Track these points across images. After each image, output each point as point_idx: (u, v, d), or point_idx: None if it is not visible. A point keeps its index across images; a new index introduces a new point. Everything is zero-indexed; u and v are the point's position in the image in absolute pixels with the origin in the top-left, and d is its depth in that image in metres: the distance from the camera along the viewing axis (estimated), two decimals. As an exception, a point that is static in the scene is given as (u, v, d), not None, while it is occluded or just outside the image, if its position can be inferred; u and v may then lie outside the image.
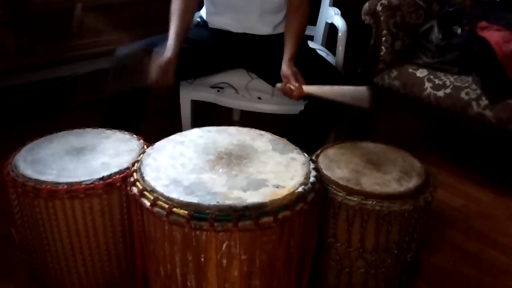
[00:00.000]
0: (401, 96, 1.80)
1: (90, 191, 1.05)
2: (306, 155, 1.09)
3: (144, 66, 1.31)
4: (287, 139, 1.14)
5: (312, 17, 1.55)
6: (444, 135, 2.14)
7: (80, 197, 1.04)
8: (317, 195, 1.01)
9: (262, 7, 1.46)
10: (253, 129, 1.18)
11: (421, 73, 1.76)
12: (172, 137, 1.14)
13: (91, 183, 1.05)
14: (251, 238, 0.92)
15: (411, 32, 1.84)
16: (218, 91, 1.57)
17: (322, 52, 1.69)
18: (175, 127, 1.37)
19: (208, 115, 1.77)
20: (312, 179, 1.01)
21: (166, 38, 1.39)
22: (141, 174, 1.00)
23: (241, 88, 1.55)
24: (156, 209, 0.92)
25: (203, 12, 1.60)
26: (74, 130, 1.25)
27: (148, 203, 0.94)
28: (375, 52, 1.83)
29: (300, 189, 0.97)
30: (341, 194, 1.09)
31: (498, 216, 1.58)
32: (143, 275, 1.12)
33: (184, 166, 1.02)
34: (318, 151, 1.23)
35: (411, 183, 1.12)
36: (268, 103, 1.55)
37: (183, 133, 1.16)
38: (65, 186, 1.03)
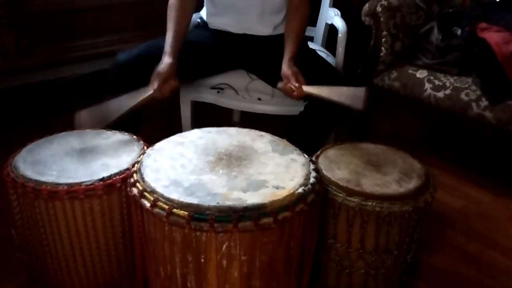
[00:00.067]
0: (401, 97, 1.80)
1: (90, 192, 1.05)
2: (306, 156, 1.09)
3: (145, 71, 1.31)
4: (287, 140, 1.15)
5: (312, 18, 1.55)
6: (444, 136, 2.14)
7: (80, 198, 1.04)
8: (317, 196, 1.01)
9: (262, 7, 1.47)
10: (253, 130, 1.18)
11: (421, 74, 1.76)
12: (172, 138, 1.14)
13: (91, 184, 1.05)
14: (251, 239, 0.93)
15: (411, 33, 1.85)
16: (218, 92, 1.57)
17: (322, 53, 1.69)
18: (175, 128, 1.37)
19: (208, 116, 1.77)
20: (312, 180, 1.01)
21: (164, 42, 1.39)
22: (141, 175, 1.00)
23: (241, 89, 1.55)
24: (156, 210, 0.92)
25: (203, 13, 1.60)
26: (74, 131, 1.25)
27: (148, 204, 0.94)
28: (375, 53, 1.83)
29: (300, 190, 0.97)
30: (341, 195, 1.10)
31: (498, 217, 1.58)
32: (143, 276, 1.12)
33: (184, 167, 1.02)
34: (318, 152, 1.23)
35: (411, 184, 1.12)
36: (268, 104, 1.55)
37: (183, 134, 1.16)
38: (65, 187, 1.03)
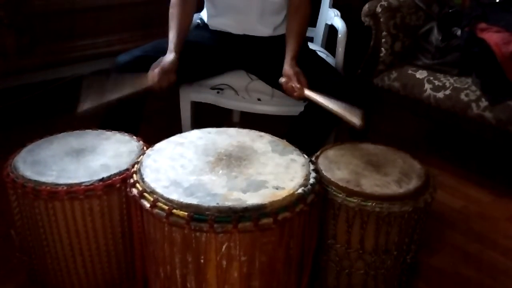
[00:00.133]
0: (401, 97, 1.80)
1: (90, 193, 1.05)
2: (306, 156, 1.09)
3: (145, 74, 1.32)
4: (287, 141, 1.15)
5: (312, 18, 1.55)
6: (444, 137, 2.14)
7: (79, 198, 1.04)
8: (317, 196, 1.01)
9: (263, 8, 1.47)
10: (253, 131, 1.18)
11: (421, 74, 1.76)
12: (172, 138, 1.14)
13: (91, 185, 1.05)
14: (250, 240, 0.93)
15: (411, 33, 1.85)
16: (218, 92, 1.57)
17: (322, 53, 1.69)
18: (175, 129, 1.38)
19: (208, 116, 1.77)
20: (312, 180, 1.01)
21: (166, 43, 1.40)
22: (141, 175, 1.00)
23: (241, 90, 1.55)
24: (156, 210, 0.93)
25: (203, 14, 1.60)
26: (74, 131, 1.25)
27: (148, 205, 0.94)
28: (375, 53, 1.83)
29: (300, 191, 0.97)
30: (341, 195, 1.10)
31: (498, 218, 1.58)
32: (143, 276, 1.12)
33: (184, 168, 1.02)
34: (318, 153, 1.23)
35: (411, 185, 1.12)
36: (268, 105, 1.55)
37: (183, 134, 1.16)
38: (65, 187, 1.03)
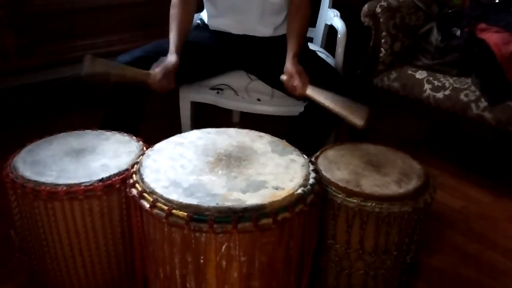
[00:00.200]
0: (401, 97, 1.80)
1: (90, 193, 1.05)
2: (306, 156, 1.09)
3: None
4: (286, 141, 1.15)
5: (312, 19, 1.55)
6: (444, 137, 2.14)
7: (79, 199, 1.04)
8: (317, 196, 1.01)
9: (263, 8, 1.47)
10: (252, 131, 1.18)
11: (420, 74, 1.76)
12: (171, 138, 1.14)
13: (91, 185, 1.05)
14: (250, 240, 0.92)
15: (411, 33, 1.85)
16: (218, 92, 1.57)
17: (322, 53, 1.69)
18: (175, 129, 1.38)
19: (208, 116, 1.77)
20: (311, 180, 1.01)
21: (166, 43, 1.40)
22: (141, 175, 1.00)
23: (241, 90, 1.55)
24: (156, 210, 0.92)
25: (203, 15, 1.60)
26: (74, 131, 1.25)
27: (147, 205, 0.94)
28: (374, 53, 1.83)
29: (299, 191, 0.97)
30: (340, 195, 1.10)
31: (498, 218, 1.58)
32: (142, 276, 1.12)
33: (184, 168, 1.02)
34: (318, 153, 1.23)
35: (411, 185, 1.12)
36: (268, 105, 1.55)
37: (183, 134, 1.16)
38: (65, 188, 1.03)
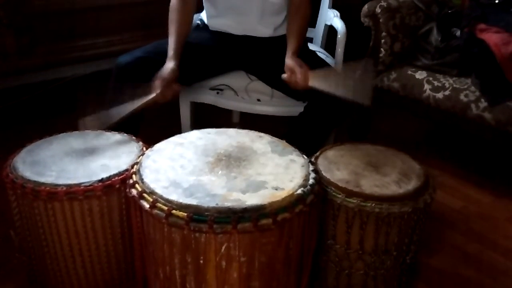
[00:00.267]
0: (401, 97, 1.80)
1: (89, 193, 1.05)
2: (306, 157, 1.09)
3: (146, 74, 1.32)
4: (286, 141, 1.15)
5: (312, 19, 1.55)
6: (444, 137, 2.14)
7: (79, 199, 1.04)
8: (316, 197, 1.01)
9: (263, 8, 1.47)
10: (252, 131, 1.18)
11: (420, 75, 1.76)
12: (171, 139, 1.14)
13: (90, 185, 1.05)
14: (250, 240, 0.93)
15: (410, 34, 1.85)
16: (218, 93, 1.57)
17: (322, 54, 1.69)
18: (175, 129, 1.38)
19: (208, 117, 1.77)
20: (311, 181, 1.01)
21: (166, 44, 1.40)
22: (140, 176, 1.00)
23: (241, 90, 1.55)
24: (155, 211, 0.92)
25: (203, 15, 1.60)
26: (74, 131, 1.25)
27: (147, 205, 0.94)
28: (374, 54, 1.83)
29: (299, 191, 0.97)
30: (340, 196, 1.10)
31: (497, 218, 1.59)
32: (142, 277, 1.12)
33: (184, 168, 1.02)
34: (318, 153, 1.23)
35: (410, 185, 1.12)
36: (267, 105, 1.55)
37: (183, 135, 1.16)
38: (64, 188, 1.03)
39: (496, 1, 1.77)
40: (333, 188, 1.11)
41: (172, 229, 0.93)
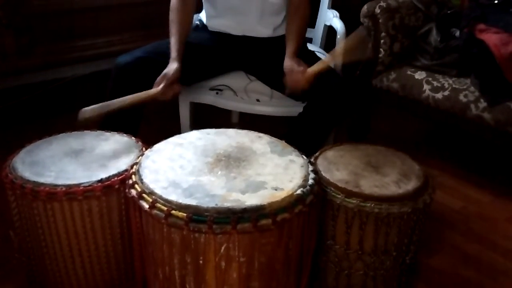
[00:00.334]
0: (400, 98, 1.80)
1: (89, 193, 1.04)
2: (305, 157, 1.09)
3: (146, 75, 1.32)
4: (285, 141, 1.15)
5: (311, 19, 1.56)
6: (443, 137, 2.15)
7: (78, 199, 1.04)
8: (316, 197, 1.01)
9: (262, 9, 1.47)
10: (251, 131, 1.18)
11: (419, 75, 1.76)
12: (171, 139, 1.14)
13: (90, 185, 1.04)
14: (249, 241, 0.92)
15: (410, 34, 1.85)
16: (217, 93, 1.57)
17: (321, 54, 1.69)
18: (174, 129, 1.38)
19: (207, 117, 1.77)
20: (310, 181, 1.01)
21: (166, 44, 1.40)
22: (140, 176, 1.00)
23: (240, 90, 1.55)
24: (155, 211, 0.92)
25: (202, 15, 1.60)
26: (73, 132, 1.25)
27: (146, 206, 0.94)
28: (373, 54, 1.83)
29: (298, 192, 0.97)
30: (340, 196, 1.10)
31: (497, 218, 1.59)
32: (142, 277, 1.12)
33: (183, 168, 1.02)
34: (317, 153, 1.23)
35: (410, 186, 1.12)
36: (267, 105, 1.55)
37: (182, 135, 1.16)
38: (64, 188, 1.03)
39: (496, 1, 1.77)
40: (332, 189, 1.11)
41: (172, 230, 0.93)
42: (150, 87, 1.32)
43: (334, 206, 1.11)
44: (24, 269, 1.21)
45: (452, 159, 1.92)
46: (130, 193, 0.99)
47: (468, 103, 1.62)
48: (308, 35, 1.75)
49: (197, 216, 0.89)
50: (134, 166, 1.05)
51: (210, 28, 1.55)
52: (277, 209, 0.92)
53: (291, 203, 0.94)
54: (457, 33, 1.75)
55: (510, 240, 1.48)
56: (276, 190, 0.96)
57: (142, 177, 0.99)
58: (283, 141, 1.14)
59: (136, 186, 0.98)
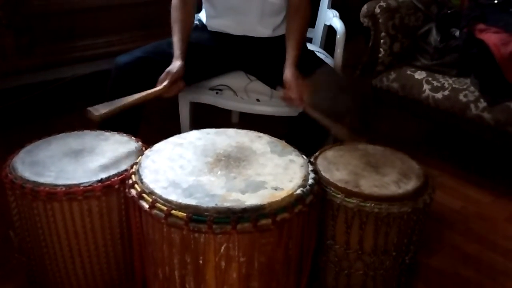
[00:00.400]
0: (400, 98, 1.80)
1: (89, 193, 1.04)
2: (305, 157, 1.09)
3: (146, 74, 1.32)
4: (285, 141, 1.15)
5: (311, 19, 1.56)
6: (443, 137, 2.15)
7: (78, 199, 1.04)
8: (316, 197, 1.01)
9: (262, 9, 1.47)
10: (251, 131, 1.18)
11: (419, 75, 1.76)
12: (170, 139, 1.14)
13: (90, 185, 1.04)
14: (249, 240, 0.92)
15: (410, 34, 1.85)
16: (217, 93, 1.57)
17: (321, 54, 1.69)
18: (174, 129, 1.38)
19: (207, 117, 1.77)
20: (310, 181, 1.01)
21: (166, 44, 1.40)
22: (140, 176, 1.00)
23: (240, 90, 1.55)
24: (155, 211, 0.92)
25: (202, 15, 1.60)
26: (73, 132, 1.25)
27: (146, 205, 0.94)
28: (373, 54, 1.83)
29: (298, 191, 0.97)
30: (339, 196, 1.10)
31: (497, 218, 1.59)
32: (141, 277, 1.12)
33: (183, 168, 1.02)
34: (317, 153, 1.23)
35: (410, 185, 1.12)
36: (267, 105, 1.55)
37: (182, 135, 1.16)
38: (64, 188, 1.03)
39: (495, 1, 1.77)
40: (332, 188, 1.11)
41: (172, 229, 0.93)
42: (150, 87, 1.32)
43: (334, 206, 1.11)
44: (24, 269, 1.21)
45: (452, 159, 1.92)
46: (130, 193, 0.99)
47: (468, 103, 1.62)
48: (308, 35, 1.74)
49: (197, 216, 0.89)
50: (134, 166, 1.05)
51: (209, 28, 1.55)
52: (277, 209, 0.92)
53: (291, 203, 0.94)
54: (457, 33, 1.75)
55: (509, 240, 1.48)
56: (276, 190, 0.96)
57: (142, 177, 0.99)
58: (283, 141, 1.14)
59: (136, 186, 0.98)
